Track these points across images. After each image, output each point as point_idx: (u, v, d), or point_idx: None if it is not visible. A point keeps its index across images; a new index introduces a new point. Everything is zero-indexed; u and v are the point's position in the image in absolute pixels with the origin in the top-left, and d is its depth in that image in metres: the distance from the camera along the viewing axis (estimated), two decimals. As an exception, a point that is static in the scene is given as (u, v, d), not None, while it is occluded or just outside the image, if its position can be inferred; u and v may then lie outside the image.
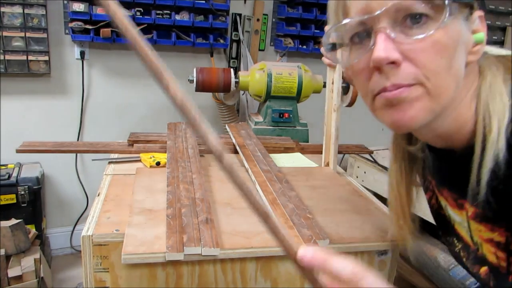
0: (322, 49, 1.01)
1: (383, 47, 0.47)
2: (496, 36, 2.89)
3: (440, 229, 0.72)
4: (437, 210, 0.71)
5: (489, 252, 0.59)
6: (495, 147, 0.49)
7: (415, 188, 0.70)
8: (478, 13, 0.52)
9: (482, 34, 0.52)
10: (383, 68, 0.49)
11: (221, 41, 2.32)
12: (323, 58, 1.08)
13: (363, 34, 0.51)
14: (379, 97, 0.51)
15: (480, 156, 0.51)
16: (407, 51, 0.48)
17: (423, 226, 1.57)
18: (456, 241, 0.66)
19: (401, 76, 0.48)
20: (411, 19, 0.47)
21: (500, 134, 0.49)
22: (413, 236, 0.71)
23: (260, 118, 1.79)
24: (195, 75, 1.77)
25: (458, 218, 0.63)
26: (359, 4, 0.50)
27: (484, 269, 0.60)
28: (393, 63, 0.48)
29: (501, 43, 2.92)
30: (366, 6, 0.49)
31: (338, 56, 0.57)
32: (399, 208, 0.70)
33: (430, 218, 1.36)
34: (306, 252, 0.45)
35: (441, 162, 0.62)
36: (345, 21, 0.51)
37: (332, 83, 1.13)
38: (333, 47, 0.56)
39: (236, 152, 1.31)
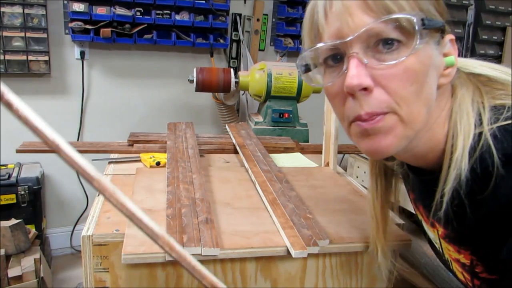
0: None
1: (355, 73, 0.48)
2: (496, 36, 2.89)
3: (426, 239, 0.73)
4: (419, 221, 0.72)
5: (457, 271, 0.61)
6: (459, 166, 0.50)
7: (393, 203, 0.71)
8: (449, 37, 0.53)
9: (453, 58, 0.53)
10: (356, 94, 0.49)
11: (221, 41, 2.32)
12: None
13: (337, 57, 0.52)
14: (355, 125, 0.52)
15: (446, 174, 0.52)
16: (379, 77, 0.48)
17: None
18: (441, 251, 0.68)
19: (374, 104, 0.49)
20: (383, 44, 0.48)
21: (464, 153, 0.50)
22: (385, 255, 0.72)
23: (260, 118, 1.79)
24: (195, 75, 1.77)
25: (431, 234, 0.65)
26: (332, 28, 0.50)
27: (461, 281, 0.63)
28: (366, 89, 0.48)
29: (501, 43, 2.93)
30: (338, 31, 0.49)
31: (312, 78, 0.58)
32: (375, 228, 0.71)
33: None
34: None
35: (418, 179, 0.62)
36: (318, 45, 0.51)
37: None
38: (307, 68, 0.57)
39: (236, 152, 1.31)
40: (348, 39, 0.48)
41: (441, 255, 0.65)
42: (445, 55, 0.53)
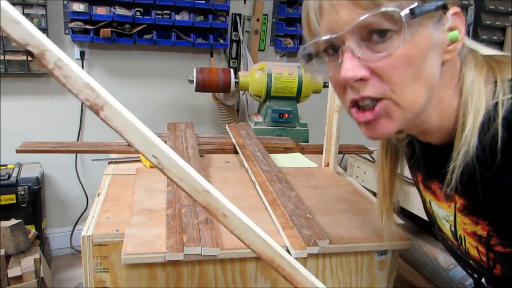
0: None
1: (349, 66, 0.49)
2: (496, 36, 2.89)
3: (431, 225, 0.73)
4: (424, 207, 0.73)
5: (471, 246, 0.60)
6: (468, 143, 0.51)
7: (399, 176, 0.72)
8: (453, 10, 0.52)
9: (457, 33, 0.52)
10: (352, 85, 0.51)
11: (221, 41, 2.32)
12: None
13: (335, 47, 0.53)
14: (354, 112, 0.53)
15: (457, 150, 0.53)
16: (373, 67, 0.49)
17: (423, 226, 1.57)
18: (445, 236, 0.68)
19: (369, 89, 0.50)
20: (377, 35, 0.48)
21: (473, 132, 0.51)
22: (389, 217, 0.74)
23: (260, 118, 1.79)
24: (195, 75, 1.77)
25: (444, 211, 0.64)
26: (325, 23, 0.51)
27: (472, 262, 0.62)
28: (361, 79, 0.50)
29: (501, 43, 2.92)
30: (330, 27, 0.50)
31: (314, 68, 0.59)
32: (381, 190, 0.73)
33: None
34: None
35: (430, 154, 0.63)
36: (314, 40, 0.53)
37: (334, 83, 1.13)
38: (309, 58, 0.58)
39: (236, 152, 1.31)
40: (340, 34, 0.49)
41: (453, 235, 0.65)
42: (450, 29, 0.52)
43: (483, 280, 0.62)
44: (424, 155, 0.65)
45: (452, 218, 0.63)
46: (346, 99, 0.54)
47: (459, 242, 0.63)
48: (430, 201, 0.68)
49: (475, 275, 0.64)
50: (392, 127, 0.52)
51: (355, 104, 0.53)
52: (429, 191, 0.67)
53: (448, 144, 0.56)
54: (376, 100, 0.51)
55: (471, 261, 0.62)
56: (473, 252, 0.60)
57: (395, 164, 0.71)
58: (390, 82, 0.49)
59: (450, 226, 0.64)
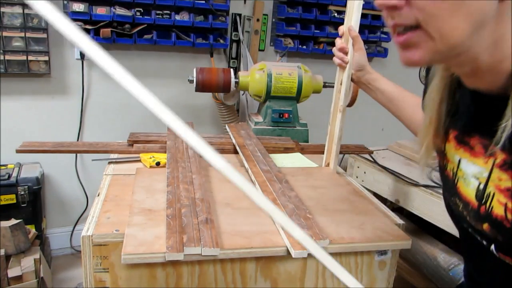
0: (334, 49, 1.04)
1: None
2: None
3: (444, 191, 0.71)
4: (443, 171, 0.71)
5: (498, 204, 0.58)
6: None
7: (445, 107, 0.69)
8: None
9: None
10: (386, 11, 0.53)
11: (221, 41, 2.32)
12: (334, 59, 1.08)
13: None
14: (394, 38, 0.55)
15: None
16: None
17: (424, 227, 1.57)
18: (458, 201, 0.66)
19: (402, 17, 0.51)
20: None
21: None
22: (428, 151, 0.71)
23: (260, 118, 1.79)
24: (195, 75, 1.77)
25: (477, 168, 0.62)
26: None
27: (486, 225, 0.60)
28: (395, 7, 0.51)
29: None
30: None
31: None
32: (427, 122, 0.70)
33: (431, 219, 1.36)
34: None
35: (477, 105, 0.61)
36: None
37: (341, 83, 1.12)
38: None
39: (236, 152, 1.31)
40: None
41: (477, 194, 0.62)
42: None
43: (492, 247, 0.61)
44: (469, 106, 0.62)
45: (486, 174, 0.60)
46: (389, 24, 0.55)
47: (484, 201, 0.61)
48: (460, 160, 0.65)
49: (484, 242, 0.62)
50: (419, 56, 0.52)
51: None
52: (465, 147, 0.65)
53: (499, 94, 0.54)
54: (410, 28, 0.51)
55: (485, 225, 0.60)
56: (498, 210, 0.58)
57: (443, 99, 0.69)
58: (424, 13, 0.49)
59: (479, 184, 0.62)
